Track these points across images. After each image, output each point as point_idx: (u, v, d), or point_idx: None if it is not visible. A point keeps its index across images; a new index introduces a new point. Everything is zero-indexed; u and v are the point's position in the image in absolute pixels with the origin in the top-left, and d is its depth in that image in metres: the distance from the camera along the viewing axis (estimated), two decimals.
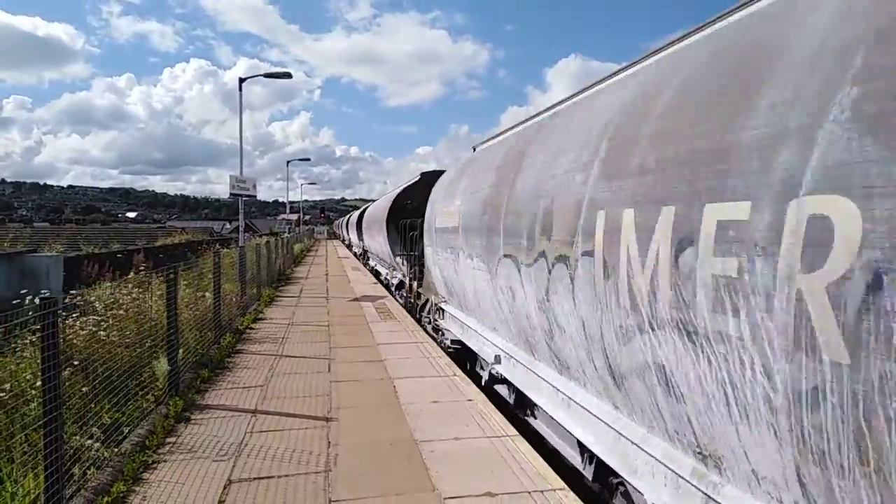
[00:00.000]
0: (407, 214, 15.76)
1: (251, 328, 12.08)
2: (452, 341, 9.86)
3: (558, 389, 5.20)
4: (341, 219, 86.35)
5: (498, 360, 7.03)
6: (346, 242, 59.05)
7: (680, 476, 3.37)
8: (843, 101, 2.19)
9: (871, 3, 2.31)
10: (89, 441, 4.90)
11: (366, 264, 31.51)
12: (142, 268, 11.04)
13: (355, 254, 42.53)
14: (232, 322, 11.57)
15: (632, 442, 3.92)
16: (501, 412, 6.69)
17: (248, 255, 15.19)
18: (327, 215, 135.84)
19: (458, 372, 8.47)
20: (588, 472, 4.88)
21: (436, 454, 5.44)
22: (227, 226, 79.28)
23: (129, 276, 9.95)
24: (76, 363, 5.34)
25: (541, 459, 5.31)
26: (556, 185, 4.88)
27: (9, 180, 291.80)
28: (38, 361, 4.20)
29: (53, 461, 4.01)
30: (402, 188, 18.69)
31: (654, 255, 3.22)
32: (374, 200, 36.76)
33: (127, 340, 6.68)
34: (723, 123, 2.87)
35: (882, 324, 1.95)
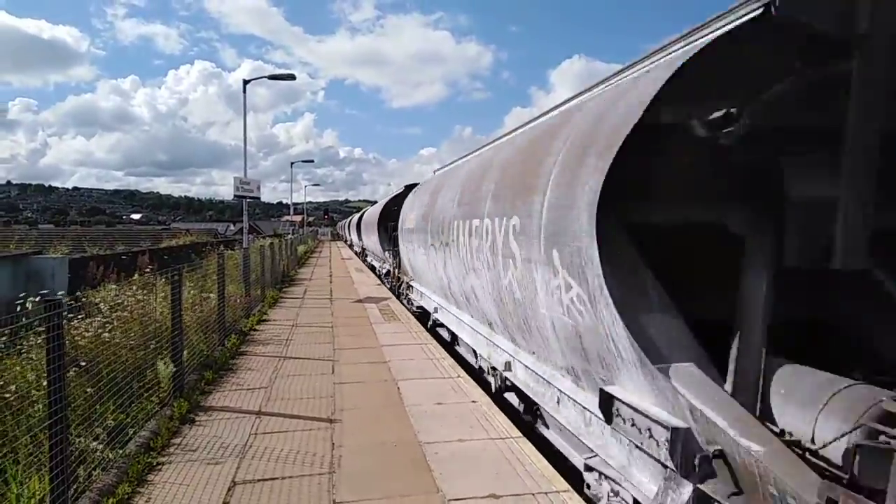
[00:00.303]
0: (393, 218, 18.55)
1: (255, 329, 12.10)
2: (417, 306, 14.25)
3: (459, 318, 9.37)
4: (344, 220, 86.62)
5: (436, 310, 11.45)
6: (349, 243, 59.14)
7: (481, 333, 7.94)
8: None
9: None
10: (94, 443, 4.91)
11: (364, 260, 34.84)
12: (146, 269, 11.07)
13: (357, 253, 42.76)
14: (236, 323, 11.59)
15: (472, 328, 8.51)
16: (507, 415, 6.68)
17: (252, 256, 15.21)
18: (331, 217, 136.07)
19: (462, 373, 8.47)
20: (473, 361, 8.76)
21: (440, 456, 5.43)
22: (232, 227, 79.44)
23: (134, 278, 9.97)
24: (83, 363, 5.36)
25: (545, 461, 5.29)
26: (444, 208, 9.21)
27: (14, 182, 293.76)
28: (43, 363, 4.21)
29: (58, 462, 4.03)
30: (391, 197, 23.27)
31: (470, 241, 7.15)
32: (377, 202, 37.24)
33: (131, 342, 6.70)
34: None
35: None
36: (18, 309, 6.01)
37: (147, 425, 5.96)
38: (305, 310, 15.17)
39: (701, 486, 3.08)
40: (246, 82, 19.66)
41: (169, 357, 7.00)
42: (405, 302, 16.16)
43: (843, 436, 2.75)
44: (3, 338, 5.11)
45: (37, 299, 5.27)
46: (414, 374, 8.47)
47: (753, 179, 3.97)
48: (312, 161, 49.45)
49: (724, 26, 3.48)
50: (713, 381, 3.32)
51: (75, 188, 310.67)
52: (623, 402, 3.67)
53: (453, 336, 10.48)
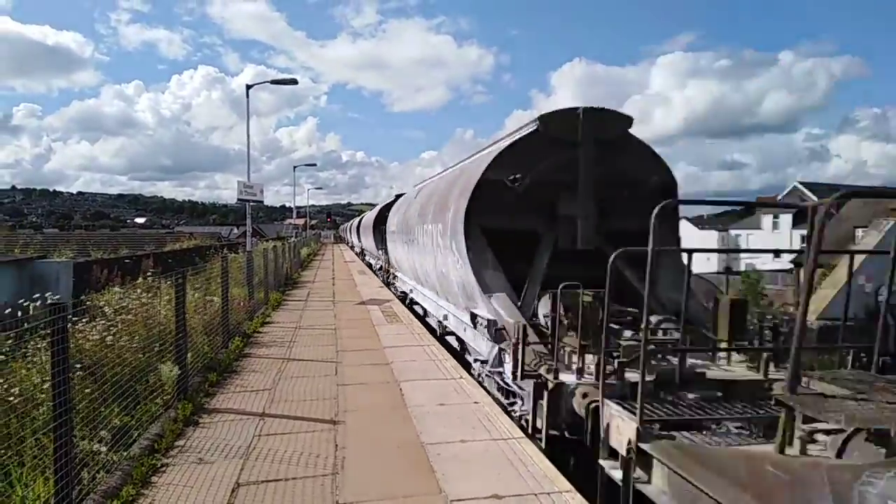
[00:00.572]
0: (385, 222, 22.16)
1: (259, 332, 12.13)
2: (400, 291, 18.54)
3: (423, 293, 13.48)
4: (347, 223, 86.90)
5: (411, 291, 15.81)
6: (351, 245, 59.25)
7: (430, 298, 12.69)
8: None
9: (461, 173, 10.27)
10: (97, 445, 4.94)
11: (364, 260, 38.05)
12: (150, 273, 11.11)
13: (358, 254, 42.92)
14: (240, 326, 11.64)
15: (428, 297, 13.03)
16: (507, 415, 6.70)
17: (256, 259, 15.27)
18: (334, 220, 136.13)
19: (465, 374, 8.48)
20: (435, 324, 12.40)
21: (442, 457, 5.44)
22: (235, 231, 79.61)
23: (138, 282, 10.02)
24: (87, 364, 5.39)
25: (547, 462, 5.30)
26: (411, 216, 13.75)
27: (19, 187, 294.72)
28: (48, 366, 4.24)
29: (63, 465, 4.05)
30: (384, 203, 27.16)
31: (423, 239, 11.61)
32: (378, 205, 37.77)
33: (136, 345, 6.74)
34: (440, 204, 10.25)
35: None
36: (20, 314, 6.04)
37: (151, 428, 5.99)
38: (308, 312, 15.21)
39: (499, 344, 6.91)
40: (249, 87, 19.73)
41: (173, 360, 7.04)
42: (393, 290, 20.17)
43: (547, 316, 6.79)
44: (10, 341, 5.15)
45: (38, 304, 5.32)
46: (416, 375, 8.49)
47: (543, 205, 7.80)
48: (315, 165, 49.88)
49: (519, 134, 8.17)
50: (512, 302, 7.16)
51: (80, 192, 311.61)
52: (478, 315, 7.71)
53: (425, 311, 14.18)
